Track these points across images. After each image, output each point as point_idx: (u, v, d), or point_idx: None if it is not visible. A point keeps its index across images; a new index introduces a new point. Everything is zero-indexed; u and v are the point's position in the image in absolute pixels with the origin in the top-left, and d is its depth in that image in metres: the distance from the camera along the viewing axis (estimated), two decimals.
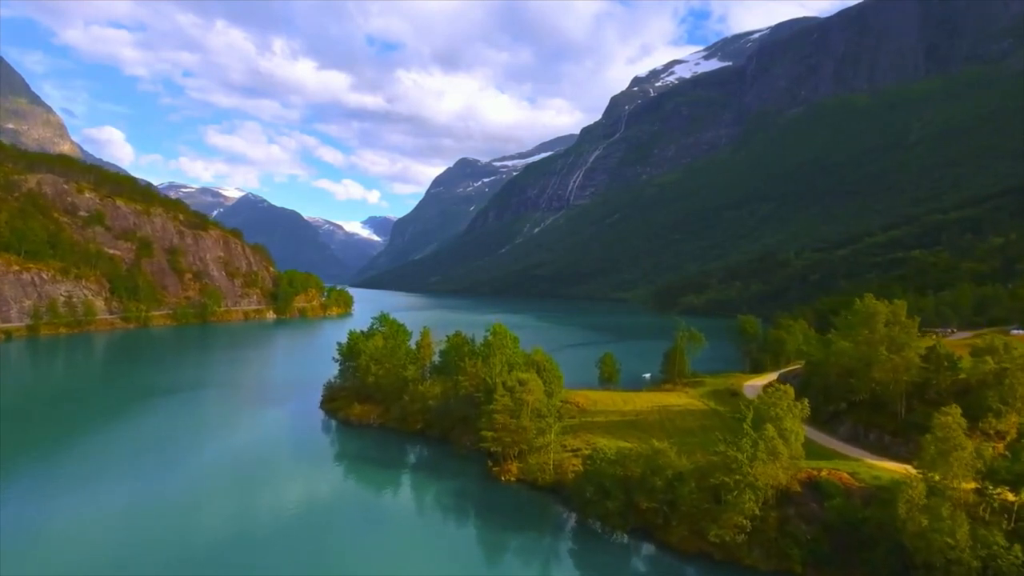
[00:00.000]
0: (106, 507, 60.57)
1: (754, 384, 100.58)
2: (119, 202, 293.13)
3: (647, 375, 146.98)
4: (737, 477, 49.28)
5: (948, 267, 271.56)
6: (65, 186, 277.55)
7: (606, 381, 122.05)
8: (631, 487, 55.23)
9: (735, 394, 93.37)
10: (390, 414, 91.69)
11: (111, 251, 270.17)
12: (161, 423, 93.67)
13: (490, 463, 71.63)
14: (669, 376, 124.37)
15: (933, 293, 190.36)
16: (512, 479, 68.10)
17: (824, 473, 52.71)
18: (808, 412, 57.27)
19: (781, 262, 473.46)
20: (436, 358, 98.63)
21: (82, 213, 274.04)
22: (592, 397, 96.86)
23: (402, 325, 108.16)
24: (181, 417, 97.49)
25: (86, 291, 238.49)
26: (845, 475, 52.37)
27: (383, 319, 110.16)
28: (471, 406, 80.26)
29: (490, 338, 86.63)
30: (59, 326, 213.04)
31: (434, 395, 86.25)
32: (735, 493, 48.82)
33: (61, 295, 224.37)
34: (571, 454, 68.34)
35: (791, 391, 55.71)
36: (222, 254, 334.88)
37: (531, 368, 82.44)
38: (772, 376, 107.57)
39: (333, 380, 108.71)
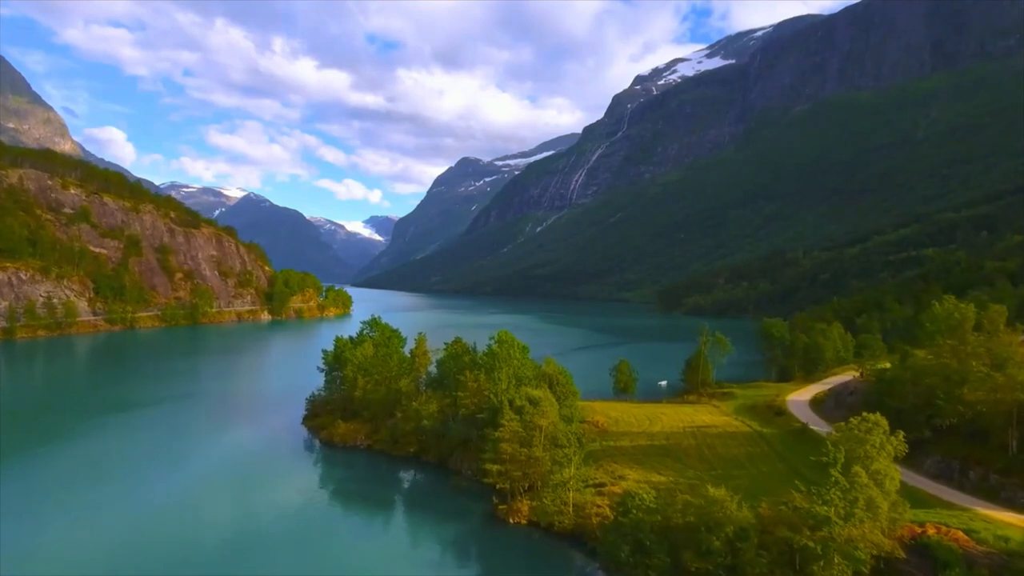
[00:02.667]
0: (34, 546, 49.11)
1: (798, 400, 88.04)
2: (106, 199, 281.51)
3: (663, 382, 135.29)
4: (823, 535, 37.32)
5: (971, 266, 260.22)
6: (49, 182, 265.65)
7: (621, 391, 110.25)
8: (677, 542, 43.28)
9: (780, 413, 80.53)
10: (379, 434, 79.00)
11: (97, 250, 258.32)
12: (117, 444, 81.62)
13: (495, 500, 59.27)
14: (692, 386, 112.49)
15: (968, 293, 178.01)
16: (522, 521, 55.56)
17: (932, 531, 40.64)
18: (906, 449, 45.00)
19: (789, 261, 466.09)
20: (433, 368, 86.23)
21: (67, 210, 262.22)
22: (611, 414, 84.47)
23: (395, 331, 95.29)
24: (142, 437, 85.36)
25: (68, 291, 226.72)
26: (960, 534, 40.28)
27: (374, 323, 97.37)
28: (472, 427, 68.31)
29: (494, 347, 73.90)
30: (37, 328, 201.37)
31: (429, 413, 73.52)
32: (822, 563, 36.87)
33: (40, 296, 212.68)
34: (594, 490, 56.19)
35: (884, 422, 43.58)
36: (215, 253, 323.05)
37: (542, 382, 70.52)
38: (818, 388, 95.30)
39: (317, 393, 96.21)
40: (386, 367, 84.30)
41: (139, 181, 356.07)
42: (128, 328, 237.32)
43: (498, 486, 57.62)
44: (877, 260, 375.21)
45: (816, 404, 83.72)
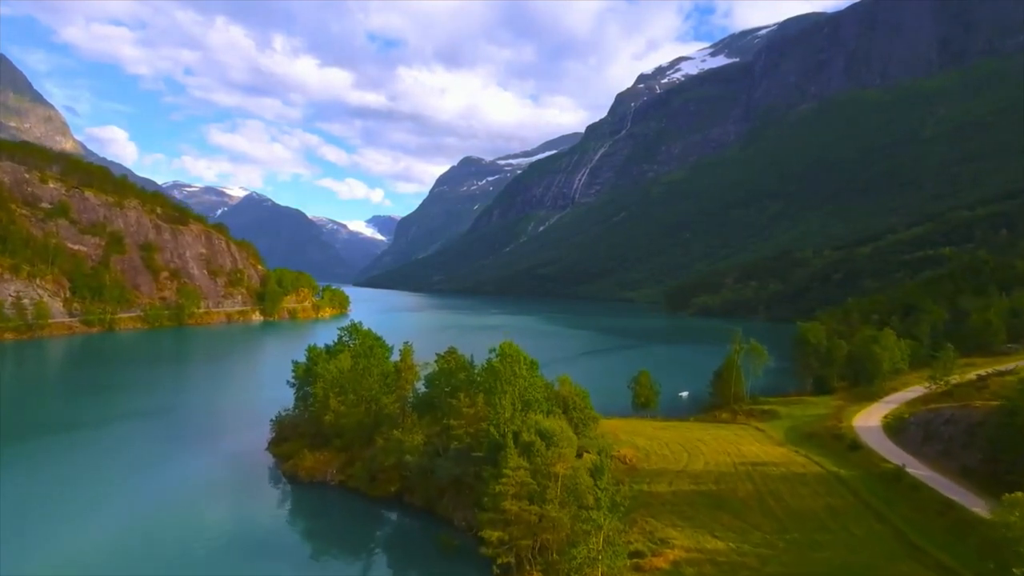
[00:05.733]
0: None
1: (867, 426, 72.46)
2: (88, 193, 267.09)
3: (684, 393, 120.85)
4: None
5: (1000, 266, 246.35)
6: (26, 175, 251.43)
7: (642, 407, 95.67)
8: None
9: (855, 446, 64.49)
10: (354, 468, 63.82)
11: (75, 247, 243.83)
12: (36, 476, 67.03)
13: (496, 570, 44.13)
14: (723, 400, 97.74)
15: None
16: None
17: None
18: None
19: (799, 261, 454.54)
20: (421, 385, 71.10)
21: (44, 205, 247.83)
22: (639, 441, 69.17)
23: (378, 338, 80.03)
24: (78, 466, 70.51)
25: (41, 291, 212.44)
26: None
27: (354, 329, 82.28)
28: (467, 463, 53.62)
29: (495, 362, 58.00)
30: (4, 331, 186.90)
31: (414, 446, 58.21)
32: None
33: (9, 295, 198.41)
34: (628, 563, 41.35)
35: None
36: (204, 251, 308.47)
37: (556, 407, 55.99)
38: (883, 408, 79.73)
39: (284, 413, 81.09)
40: (364, 384, 69.23)
41: (126, 177, 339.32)
42: (107, 330, 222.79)
43: (500, 560, 42.59)
44: (892, 260, 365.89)
45: (893, 432, 68.28)
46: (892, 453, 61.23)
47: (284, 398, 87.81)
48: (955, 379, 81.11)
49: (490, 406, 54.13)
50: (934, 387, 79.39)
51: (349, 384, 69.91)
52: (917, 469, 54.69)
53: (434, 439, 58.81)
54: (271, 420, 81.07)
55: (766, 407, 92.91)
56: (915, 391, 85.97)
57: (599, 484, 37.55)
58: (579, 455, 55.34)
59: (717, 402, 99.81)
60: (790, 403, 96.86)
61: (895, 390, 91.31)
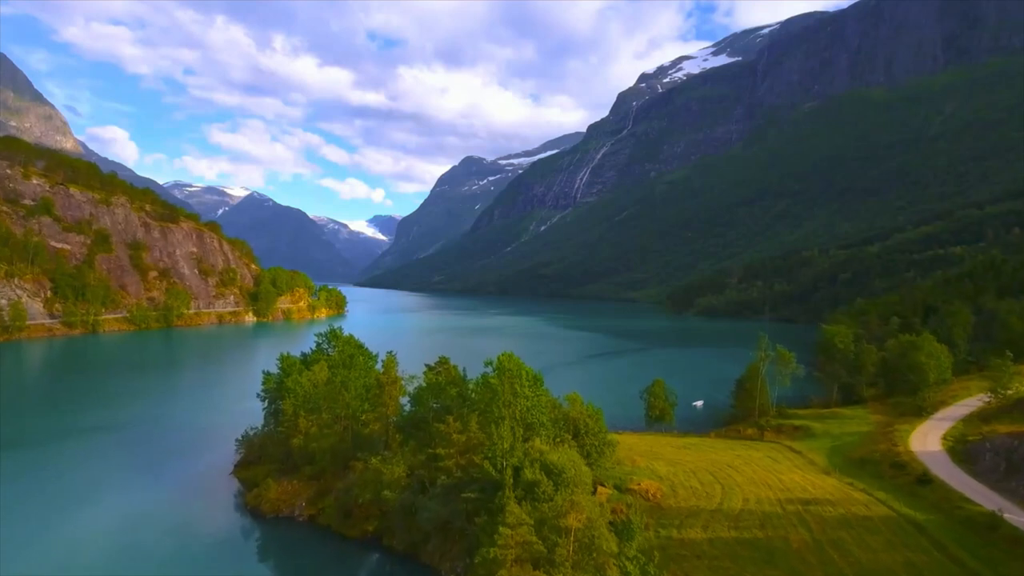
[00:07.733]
0: None
1: (928, 451, 61.69)
2: (73, 189, 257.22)
3: (699, 403, 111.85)
4: None
5: (1022, 264, 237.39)
6: (8, 171, 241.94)
7: (657, 419, 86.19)
8: None
9: (925, 480, 53.61)
10: (326, 501, 54.19)
11: (58, 245, 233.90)
12: None
13: None
14: (746, 412, 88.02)
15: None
16: None
17: None
18: None
19: (805, 260, 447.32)
20: (407, 401, 61.12)
21: (27, 201, 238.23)
22: (660, 469, 58.55)
23: (361, 346, 69.90)
24: (10, 493, 61.23)
25: (20, 291, 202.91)
26: None
27: (333, 336, 72.37)
28: (457, 502, 44.05)
29: (492, 379, 48.06)
30: None
31: (394, 479, 48.40)
32: None
33: None
34: None
35: None
36: (195, 249, 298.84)
37: (565, 432, 46.33)
38: (938, 427, 68.94)
39: (252, 430, 71.17)
40: (341, 400, 59.29)
41: (115, 174, 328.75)
42: (90, 332, 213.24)
43: None
44: (901, 259, 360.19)
45: (962, 459, 57.71)
46: (970, 488, 51.03)
47: (255, 410, 78.08)
48: (1012, 391, 71.57)
49: (485, 433, 44.45)
50: (994, 401, 69.79)
51: (324, 401, 59.91)
52: (1008, 512, 44.95)
53: (418, 470, 48.94)
54: (236, 440, 71.02)
55: (796, 422, 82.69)
56: (967, 404, 76.05)
57: (626, 552, 28.08)
58: (593, 490, 45.86)
59: (739, 415, 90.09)
60: (822, 417, 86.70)
61: (943, 403, 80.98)
